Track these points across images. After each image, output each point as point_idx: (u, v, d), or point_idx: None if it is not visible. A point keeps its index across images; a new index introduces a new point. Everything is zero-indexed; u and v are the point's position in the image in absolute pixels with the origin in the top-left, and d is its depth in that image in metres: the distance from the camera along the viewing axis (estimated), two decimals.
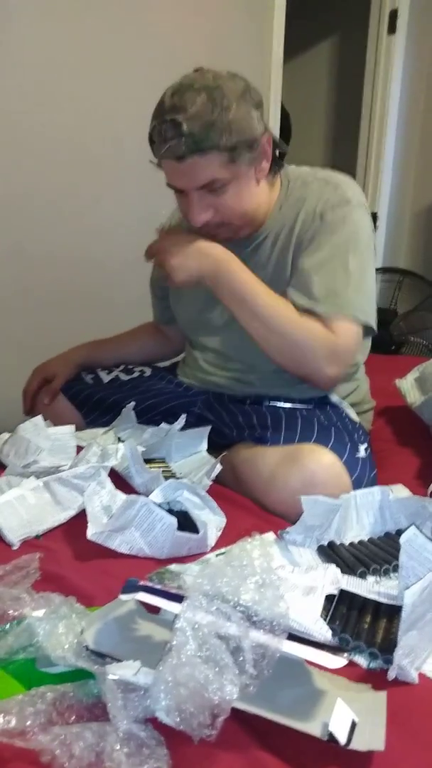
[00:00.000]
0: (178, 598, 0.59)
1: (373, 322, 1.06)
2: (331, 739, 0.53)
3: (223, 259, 1.03)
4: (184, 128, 0.92)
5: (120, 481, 1.01)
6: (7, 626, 0.67)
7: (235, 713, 0.54)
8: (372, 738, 0.54)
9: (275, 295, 1.03)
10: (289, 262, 1.08)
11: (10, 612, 0.68)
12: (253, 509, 0.99)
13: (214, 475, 1.02)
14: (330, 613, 0.72)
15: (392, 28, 2.45)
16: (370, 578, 0.80)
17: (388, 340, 2.34)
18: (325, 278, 1.02)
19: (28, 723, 0.53)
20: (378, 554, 0.85)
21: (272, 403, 1.13)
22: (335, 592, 0.75)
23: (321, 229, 1.04)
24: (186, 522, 0.89)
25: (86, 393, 1.26)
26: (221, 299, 1.05)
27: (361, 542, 0.89)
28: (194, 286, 1.05)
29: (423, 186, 2.69)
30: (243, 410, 1.14)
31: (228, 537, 0.89)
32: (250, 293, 1.02)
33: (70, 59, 1.79)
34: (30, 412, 1.28)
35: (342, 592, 0.75)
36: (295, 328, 1.01)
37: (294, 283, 1.05)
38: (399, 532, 0.88)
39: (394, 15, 2.44)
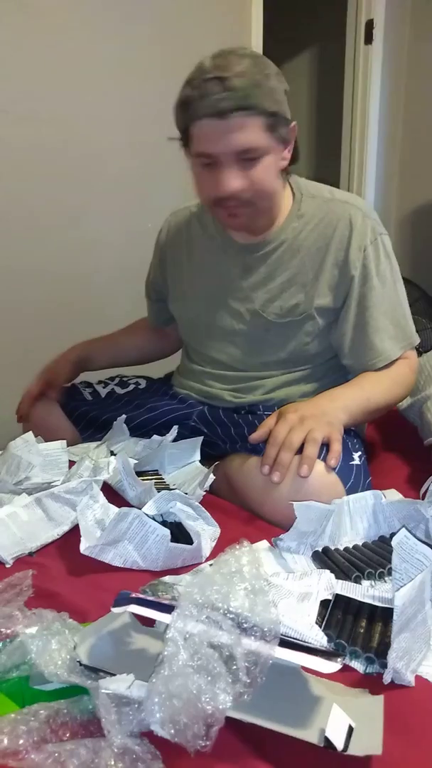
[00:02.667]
0: (170, 609, 0.59)
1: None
2: (328, 745, 0.52)
3: (337, 404, 1.02)
4: (232, 83, 0.91)
5: (113, 495, 1.01)
6: (0, 644, 0.66)
7: (231, 723, 0.54)
8: (369, 742, 0.54)
9: (371, 382, 1.08)
10: (319, 283, 1.09)
11: (3, 630, 0.68)
12: (247, 518, 0.98)
13: (207, 485, 1.01)
14: (325, 618, 0.71)
15: (369, 39, 2.49)
16: (365, 582, 0.80)
17: None
18: (390, 318, 1.10)
19: (21, 742, 0.52)
20: (372, 558, 0.85)
21: (267, 413, 1.13)
22: (330, 597, 0.74)
23: (369, 268, 1.08)
24: (180, 533, 0.88)
25: (82, 410, 1.25)
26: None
27: (355, 547, 0.89)
28: None
29: (406, 193, 2.72)
30: (237, 422, 1.14)
31: (222, 547, 0.88)
32: (364, 403, 1.05)
33: (52, 75, 1.81)
34: (25, 418, 1.27)
35: (337, 597, 0.75)
36: (395, 392, 1.10)
37: (364, 328, 1.09)
38: (393, 536, 0.88)
39: (370, 25, 2.48)
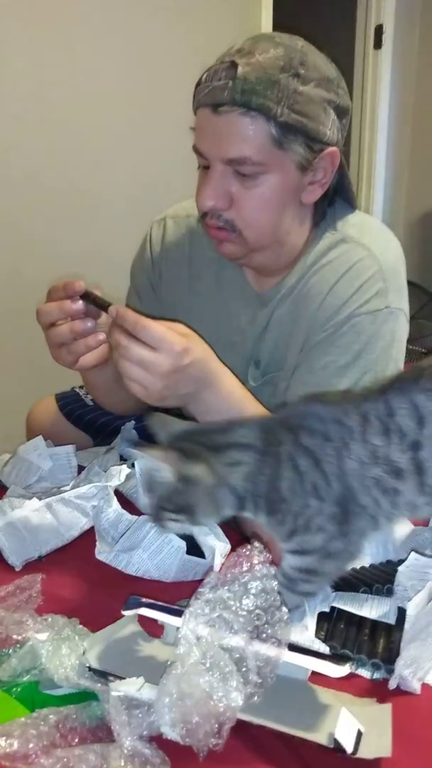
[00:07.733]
0: (180, 613, 0.59)
1: None
2: (338, 747, 0.52)
3: (211, 372, 0.76)
4: (240, 71, 0.71)
5: (122, 502, 1.00)
6: (11, 650, 0.67)
7: (241, 729, 0.54)
8: (378, 745, 0.53)
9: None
10: (295, 345, 0.88)
11: (14, 636, 0.68)
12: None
13: None
14: (329, 631, 0.70)
15: (378, 44, 2.50)
16: (364, 595, 0.78)
17: None
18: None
19: (31, 746, 0.52)
20: (379, 576, 0.83)
21: None
22: (326, 609, 0.73)
23: (344, 337, 0.83)
24: (191, 547, 0.88)
25: (90, 417, 1.25)
26: (195, 414, 0.80)
27: (362, 567, 0.87)
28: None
29: (415, 196, 2.72)
30: None
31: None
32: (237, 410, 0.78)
33: (63, 81, 1.83)
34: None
35: (338, 610, 0.73)
36: None
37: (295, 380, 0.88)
38: (401, 562, 0.81)
39: (379, 30, 2.48)
